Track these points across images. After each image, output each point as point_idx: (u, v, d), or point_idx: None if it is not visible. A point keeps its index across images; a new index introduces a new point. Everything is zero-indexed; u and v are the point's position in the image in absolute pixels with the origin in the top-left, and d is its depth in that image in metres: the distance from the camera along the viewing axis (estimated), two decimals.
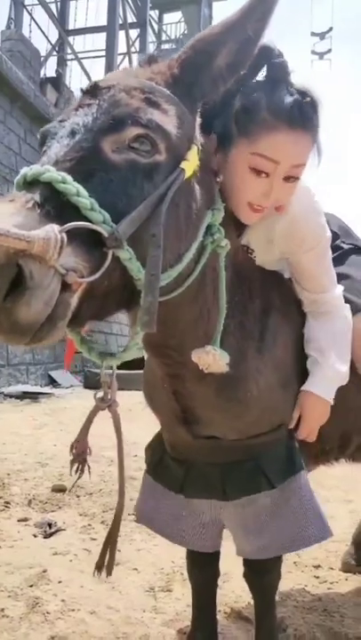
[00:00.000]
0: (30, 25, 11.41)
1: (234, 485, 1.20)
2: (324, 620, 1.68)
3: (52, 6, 12.32)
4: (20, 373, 7.79)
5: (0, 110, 7.86)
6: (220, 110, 0.98)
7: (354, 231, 1.53)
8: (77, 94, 0.83)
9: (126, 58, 12.89)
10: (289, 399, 1.20)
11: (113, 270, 0.73)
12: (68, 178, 0.69)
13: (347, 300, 1.30)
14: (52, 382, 8.35)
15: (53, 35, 12.40)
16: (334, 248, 1.36)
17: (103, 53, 12.18)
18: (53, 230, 0.62)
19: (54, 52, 12.39)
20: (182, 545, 1.39)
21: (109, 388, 0.83)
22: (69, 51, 12.48)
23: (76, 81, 12.85)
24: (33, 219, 0.65)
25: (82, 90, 0.82)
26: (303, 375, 1.23)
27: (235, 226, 1.12)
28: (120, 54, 12.47)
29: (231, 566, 1.60)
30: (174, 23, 17.01)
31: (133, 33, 13.52)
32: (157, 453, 1.35)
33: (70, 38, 12.86)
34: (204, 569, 1.41)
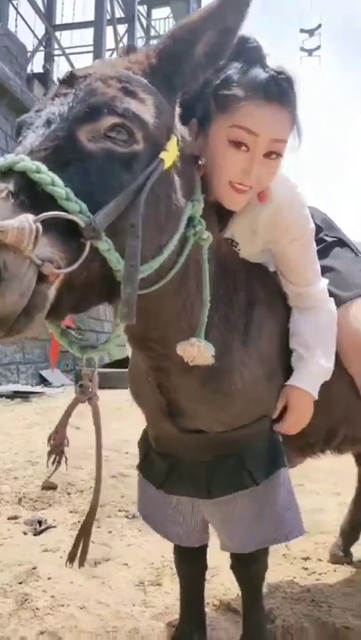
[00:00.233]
0: (16, 20, 11.32)
1: (219, 483, 1.20)
2: (312, 610, 1.69)
3: (39, 1, 12.21)
4: (11, 373, 7.75)
5: None
6: (199, 97, 0.98)
7: (337, 224, 1.53)
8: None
9: (114, 53, 12.82)
10: (274, 392, 1.21)
11: (92, 261, 0.72)
12: (43, 167, 0.68)
13: (331, 293, 1.31)
14: (44, 381, 8.31)
15: (40, 30, 12.29)
16: (318, 241, 1.37)
17: (91, 49, 12.12)
18: (28, 220, 0.61)
19: (41, 48, 12.28)
20: (170, 540, 1.40)
21: (90, 381, 0.82)
22: (57, 46, 12.38)
23: None
24: (7, 208, 0.64)
25: (58, 79, 0.81)
26: (288, 368, 1.23)
27: (219, 219, 1.12)
28: (108, 50, 12.41)
29: (220, 560, 1.61)
30: (163, 19, 16.96)
31: (121, 28, 13.46)
32: (144, 449, 1.36)
33: (57, 33, 12.77)
34: (191, 563, 1.42)
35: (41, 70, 11.95)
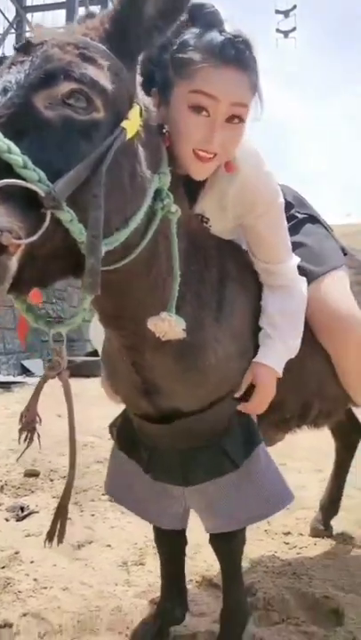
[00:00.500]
0: None
1: (197, 471, 1.21)
2: (293, 582, 1.72)
3: None
4: None
5: None
6: (158, 64, 0.96)
7: (308, 201, 1.53)
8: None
9: None
10: (245, 368, 1.21)
11: (54, 232, 0.71)
12: None
13: (303, 269, 1.31)
14: (25, 372, 8.24)
15: (11, 12, 11.94)
16: (289, 218, 1.37)
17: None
18: None
19: (12, 30, 11.95)
20: (153, 523, 1.41)
21: (59, 356, 0.81)
22: (28, 28, 12.05)
23: None
24: None
25: (15, 47, 0.79)
26: (258, 346, 1.23)
27: (188, 194, 1.11)
28: None
29: (202, 538, 1.62)
30: None
31: (95, 10, 13.13)
32: (128, 431, 1.35)
33: (29, 15, 12.43)
34: (171, 540, 1.43)
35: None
